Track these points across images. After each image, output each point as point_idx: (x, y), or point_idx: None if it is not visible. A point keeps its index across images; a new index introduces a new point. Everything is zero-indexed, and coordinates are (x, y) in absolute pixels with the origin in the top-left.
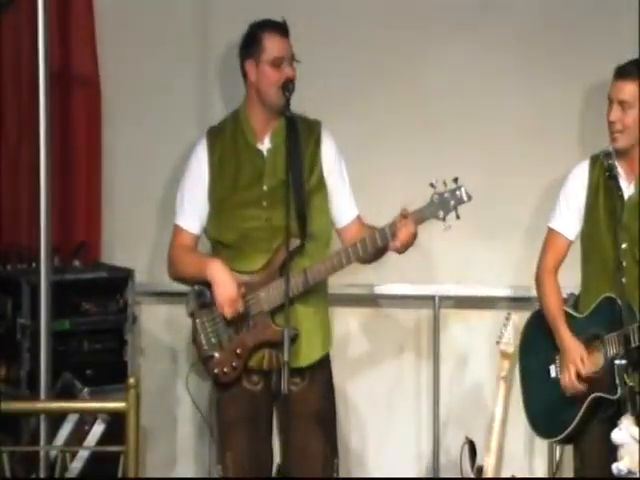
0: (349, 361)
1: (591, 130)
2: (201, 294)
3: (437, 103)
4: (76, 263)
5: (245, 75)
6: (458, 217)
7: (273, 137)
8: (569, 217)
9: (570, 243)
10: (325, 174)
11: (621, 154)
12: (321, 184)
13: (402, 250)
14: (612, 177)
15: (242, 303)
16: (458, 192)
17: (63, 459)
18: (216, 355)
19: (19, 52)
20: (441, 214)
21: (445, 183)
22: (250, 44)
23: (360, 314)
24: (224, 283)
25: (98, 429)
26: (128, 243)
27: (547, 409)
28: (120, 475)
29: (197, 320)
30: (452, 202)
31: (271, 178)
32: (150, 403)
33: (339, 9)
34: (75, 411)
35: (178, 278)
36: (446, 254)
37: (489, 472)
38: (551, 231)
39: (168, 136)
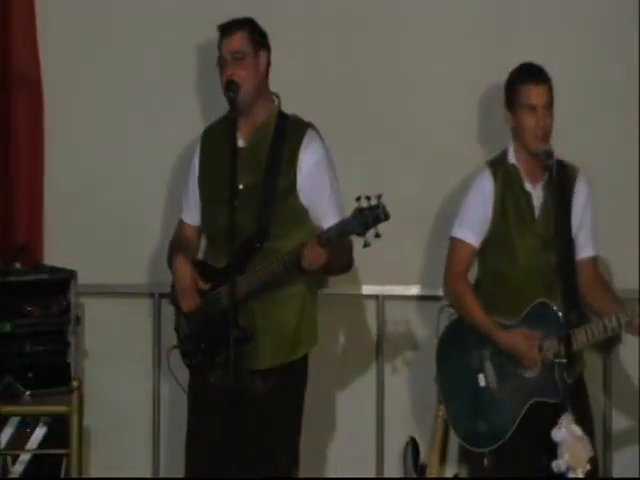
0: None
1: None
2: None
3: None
4: (17, 265)
5: None
6: (378, 235)
7: (254, 132)
8: (479, 224)
9: (477, 251)
10: (301, 178)
11: (523, 156)
12: (293, 187)
13: (308, 269)
14: (517, 180)
15: (197, 298)
16: (377, 210)
17: (5, 462)
18: (189, 346)
19: None
20: (359, 230)
21: (368, 198)
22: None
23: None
24: (181, 277)
25: (40, 432)
26: (70, 244)
27: (478, 418)
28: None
29: (175, 312)
30: (370, 220)
31: (247, 177)
32: (94, 405)
33: (294, 22)
34: (16, 414)
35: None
36: (391, 255)
37: (432, 470)
38: (459, 241)
39: (107, 138)
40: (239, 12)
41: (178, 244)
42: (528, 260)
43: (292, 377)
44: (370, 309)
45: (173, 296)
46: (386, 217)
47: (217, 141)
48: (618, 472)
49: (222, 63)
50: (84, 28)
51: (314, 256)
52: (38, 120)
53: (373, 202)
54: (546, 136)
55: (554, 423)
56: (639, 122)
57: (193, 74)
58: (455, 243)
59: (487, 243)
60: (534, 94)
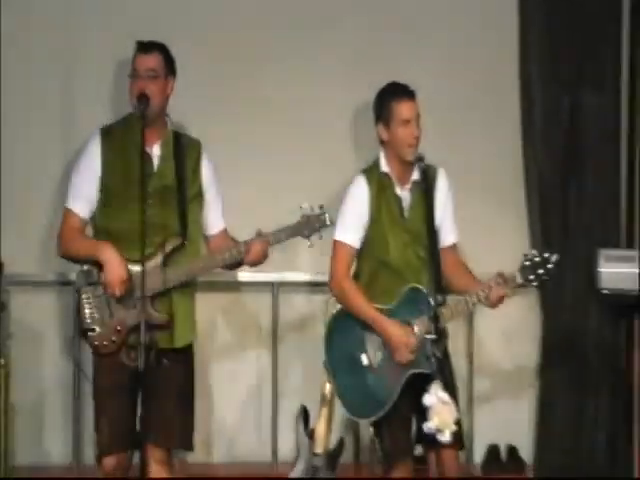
0: (200, 340)
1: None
2: (89, 273)
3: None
4: None
5: None
6: (321, 237)
7: (163, 146)
8: (357, 228)
9: (356, 250)
10: (204, 188)
11: (394, 164)
12: (200, 195)
13: (252, 265)
14: (388, 184)
15: (128, 285)
16: (323, 217)
17: None
18: (97, 329)
19: None
20: (306, 233)
21: (312, 208)
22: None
23: (209, 299)
24: (115, 265)
25: None
26: (8, 231)
27: (362, 392)
28: None
29: (83, 296)
30: (317, 224)
31: (157, 181)
32: (18, 381)
33: (207, 27)
34: None
35: (68, 257)
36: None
37: (320, 436)
38: (341, 243)
39: (30, 141)
40: None
41: (81, 234)
42: (400, 252)
43: (189, 354)
44: (266, 295)
45: (86, 281)
46: (331, 223)
47: (120, 144)
48: (479, 431)
49: (135, 74)
50: None
51: (262, 254)
52: None
53: (317, 211)
54: (416, 144)
55: (425, 390)
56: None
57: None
58: (337, 245)
59: (366, 239)
60: (406, 109)
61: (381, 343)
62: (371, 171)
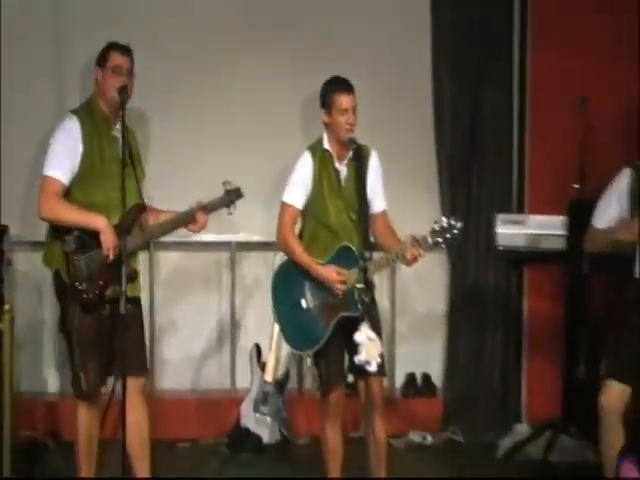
0: (171, 291)
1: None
2: (80, 238)
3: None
4: None
5: (96, 77)
6: (234, 209)
7: (117, 129)
8: (301, 193)
9: (299, 211)
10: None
11: (334, 144)
12: (143, 174)
13: (196, 231)
14: (329, 160)
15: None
16: (239, 191)
17: None
18: (84, 284)
19: None
20: (228, 204)
21: (230, 183)
22: (101, 56)
23: (177, 257)
24: (110, 233)
25: None
26: (3, 203)
27: (302, 331)
28: None
29: (74, 257)
30: (234, 197)
31: (119, 159)
32: (21, 323)
33: (167, 26)
34: None
35: (54, 220)
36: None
37: (269, 368)
38: (287, 204)
39: (31, 115)
40: None
41: (64, 201)
42: (336, 216)
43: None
44: (225, 253)
45: (77, 244)
46: (242, 197)
47: (94, 128)
48: (399, 362)
49: (117, 71)
50: None
51: (204, 220)
52: None
53: (232, 186)
54: (352, 129)
55: (355, 330)
56: (433, 117)
57: None
58: (284, 206)
59: (309, 204)
60: (345, 100)
61: (317, 290)
62: (315, 147)
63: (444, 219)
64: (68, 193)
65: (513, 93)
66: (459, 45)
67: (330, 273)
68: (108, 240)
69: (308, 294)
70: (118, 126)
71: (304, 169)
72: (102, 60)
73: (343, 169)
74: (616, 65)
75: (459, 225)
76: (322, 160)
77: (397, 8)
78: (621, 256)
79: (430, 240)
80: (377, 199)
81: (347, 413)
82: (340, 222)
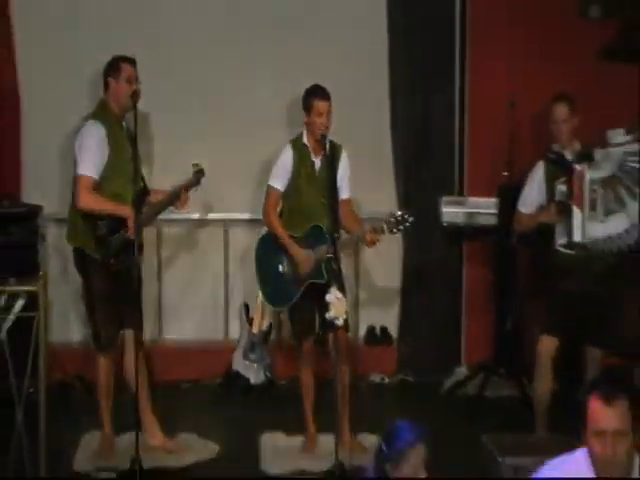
0: (177, 260)
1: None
2: (109, 223)
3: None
4: (5, 203)
5: (107, 85)
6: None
7: (127, 128)
8: (282, 178)
9: (281, 194)
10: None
11: (311, 140)
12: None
13: (181, 209)
14: (307, 153)
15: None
16: (202, 171)
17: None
18: (113, 260)
19: None
20: (195, 183)
21: (198, 165)
22: (112, 66)
23: (182, 232)
24: (134, 218)
25: (21, 302)
26: (40, 185)
27: (278, 290)
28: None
29: (106, 239)
30: (199, 176)
31: (128, 153)
32: (52, 287)
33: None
34: (5, 292)
35: (91, 211)
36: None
37: (256, 322)
38: (271, 187)
39: (69, 108)
40: None
41: (98, 196)
42: (311, 199)
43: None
44: (219, 229)
45: (108, 228)
46: (204, 175)
47: (111, 129)
48: (362, 318)
49: (130, 81)
50: None
51: (186, 198)
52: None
53: (198, 167)
54: (326, 130)
55: (326, 292)
56: (389, 116)
57: None
58: (269, 189)
59: (289, 189)
60: (321, 106)
61: (291, 259)
62: (296, 141)
63: (399, 213)
64: (97, 185)
65: (455, 96)
66: (411, 55)
67: (303, 258)
68: (132, 224)
69: (285, 261)
70: (125, 126)
71: (286, 159)
72: (115, 72)
73: (317, 161)
74: (539, 74)
75: (411, 219)
76: (301, 152)
77: (357, 23)
78: (541, 231)
79: (386, 229)
80: (343, 188)
81: (322, 362)
82: (313, 205)
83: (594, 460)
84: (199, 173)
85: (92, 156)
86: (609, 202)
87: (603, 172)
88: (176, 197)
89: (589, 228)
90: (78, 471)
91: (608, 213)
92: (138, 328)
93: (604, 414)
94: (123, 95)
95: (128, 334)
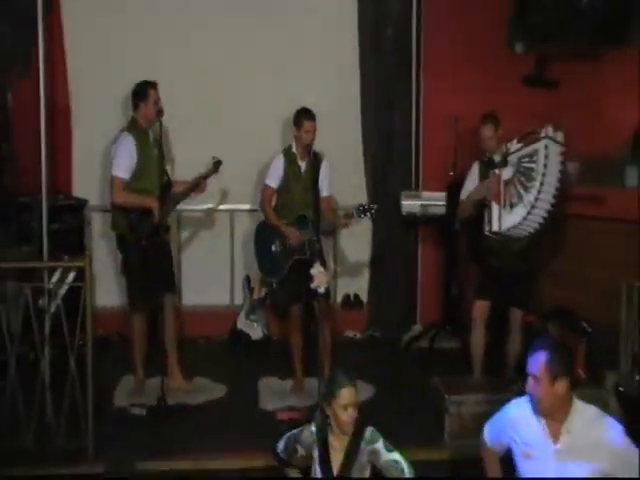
0: (194, 241)
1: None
2: (138, 214)
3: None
4: (60, 197)
5: (136, 106)
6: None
7: (154, 137)
8: (275, 179)
9: (274, 191)
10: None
11: (299, 148)
12: (165, 160)
13: (200, 193)
14: (295, 159)
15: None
16: (219, 162)
17: (55, 290)
18: (144, 241)
19: None
20: (215, 172)
21: (216, 157)
22: (141, 93)
23: (198, 219)
24: (158, 208)
25: (72, 275)
26: (86, 182)
27: (271, 265)
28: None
29: (140, 224)
30: (217, 166)
31: (154, 157)
32: (96, 262)
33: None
34: (60, 267)
35: (123, 204)
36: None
37: (256, 290)
38: (267, 186)
39: (109, 120)
40: None
41: (128, 193)
42: (298, 196)
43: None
44: (224, 220)
45: (137, 219)
46: (221, 164)
47: (139, 140)
48: (339, 288)
49: (156, 103)
50: None
51: (205, 186)
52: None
53: (216, 159)
54: (312, 141)
55: (311, 266)
56: (361, 124)
57: None
58: (264, 187)
59: (281, 188)
60: (308, 125)
61: (281, 241)
62: (287, 150)
63: (365, 204)
64: (129, 184)
65: (412, 113)
66: (377, 78)
67: (292, 232)
68: (158, 212)
69: (276, 243)
70: (151, 135)
71: (278, 163)
72: (144, 96)
73: (303, 165)
74: (478, 94)
75: (375, 207)
76: (290, 158)
77: (333, 30)
78: (477, 219)
79: (355, 215)
80: (324, 188)
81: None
82: (300, 200)
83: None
84: (218, 164)
85: (124, 161)
86: (512, 197)
87: (507, 174)
88: (196, 185)
89: (504, 219)
90: (117, 406)
91: (512, 206)
92: (173, 293)
93: (528, 362)
94: (150, 115)
95: (166, 298)
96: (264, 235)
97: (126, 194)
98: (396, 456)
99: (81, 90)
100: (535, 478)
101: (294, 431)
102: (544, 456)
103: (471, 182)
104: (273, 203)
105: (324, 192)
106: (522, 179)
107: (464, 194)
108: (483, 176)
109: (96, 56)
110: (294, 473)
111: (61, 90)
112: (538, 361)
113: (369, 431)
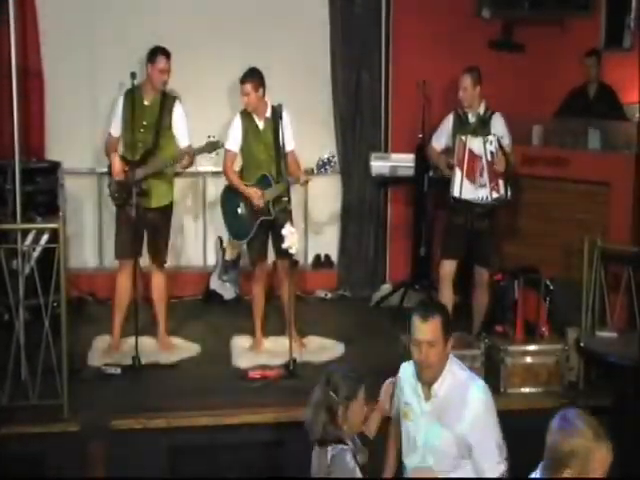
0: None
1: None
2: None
3: None
4: (33, 159)
5: (146, 66)
6: (217, 154)
7: (153, 100)
8: (234, 142)
9: (235, 154)
10: (174, 121)
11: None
12: (171, 124)
13: (185, 167)
14: (250, 118)
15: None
16: (219, 143)
17: (29, 252)
18: (111, 195)
19: None
20: (210, 151)
21: (214, 137)
22: (152, 56)
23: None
24: (115, 164)
25: (45, 237)
26: (59, 145)
27: (238, 227)
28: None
29: (115, 187)
30: (216, 146)
31: (148, 119)
32: (70, 223)
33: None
34: (33, 229)
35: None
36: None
37: (228, 251)
38: (227, 150)
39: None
40: None
41: (111, 146)
42: (259, 154)
43: (167, 212)
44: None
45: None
46: (222, 146)
47: (134, 99)
48: (310, 249)
49: (163, 71)
50: None
51: (192, 160)
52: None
53: (213, 139)
54: (248, 105)
55: (281, 227)
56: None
57: None
58: (226, 151)
59: (243, 148)
60: (242, 88)
61: (246, 203)
62: (243, 111)
63: (326, 156)
64: (116, 139)
65: (381, 76)
66: (349, 40)
67: (253, 193)
68: (114, 168)
69: (242, 205)
70: (148, 99)
71: (235, 124)
72: (153, 60)
73: (261, 123)
74: (444, 61)
75: (334, 159)
76: (247, 118)
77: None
78: (445, 180)
79: (316, 170)
80: (288, 142)
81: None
82: (262, 158)
83: (414, 363)
84: (213, 145)
85: (113, 119)
86: (476, 172)
87: (476, 147)
88: (181, 157)
89: (465, 189)
90: (91, 365)
91: (474, 182)
92: (158, 256)
93: (419, 329)
94: (156, 81)
95: (153, 264)
96: (230, 198)
97: (106, 148)
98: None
99: (54, 54)
100: None
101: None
102: (417, 417)
103: (443, 131)
104: (238, 166)
105: (288, 146)
106: (490, 160)
107: (436, 138)
108: (456, 129)
109: (67, 21)
110: None
111: (33, 54)
112: (434, 326)
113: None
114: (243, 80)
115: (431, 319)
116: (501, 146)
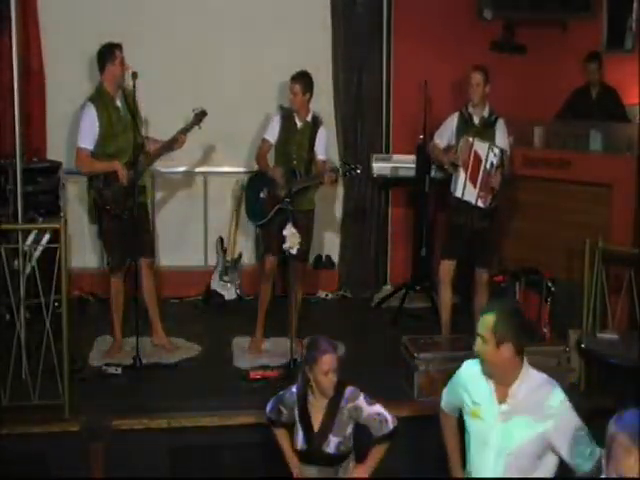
0: (170, 202)
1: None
2: (104, 179)
3: None
4: (34, 159)
5: (103, 68)
6: (200, 127)
7: (121, 100)
8: (271, 134)
9: (271, 144)
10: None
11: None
12: (141, 121)
13: (178, 148)
14: (290, 116)
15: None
16: (204, 112)
17: (30, 252)
18: (112, 205)
19: None
20: (197, 123)
21: (197, 108)
22: (107, 54)
23: (176, 181)
24: (122, 169)
25: (47, 236)
26: (60, 145)
27: (256, 208)
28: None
29: (102, 191)
30: (200, 117)
31: (123, 119)
32: (71, 224)
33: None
34: (34, 228)
35: (89, 172)
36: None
37: (229, 252)
38: (264, 139)
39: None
40: None
41: (92, 160)
42: (294, 152)
43: (146, 207)
44: (198, 182)
45: (105, 183)
46: (206, 114)
47: (104, 105)
48: (313, 248)
49: (122, 63)
50: None
51: (184, 140)
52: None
53: (198, 110)
54: (295, 104)
55: (285, 226)
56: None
57: None
58: (263, 140)
59: (278, 144)
60: (290, 87)
61: (269, 189)
62: (284, 109)
63: (352, 164)
64: (94, 152)
65: (383, 78)
66: (350, 41)
67: (278, 171)
68: (122, 173)
69: (265, 190)
70: (118, 100)
71: (275, 121)
72: (111, 56)
73: (300, 124)
74: (445, 62)
75: (360, 168)
76: (287, 116)
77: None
78: (446, 181)
79: (341, 173)
80: (321, 151)
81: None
82: (295, 155)
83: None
84: (201, 115)
85: (85, 131)
86: (478, 174)
87: (481, 150)
88: (174, 141)
89: (467, 190)
90: (92, 365)
91: (476, 184)
92: (149, 256)
93: (479, 323)
94: (118, 74)
95: (143, 261)
96: (255, 183)
97: (90, 163)
98: (378, 408)
99: (55, 54)
100: None
101: (280, 392)
102: (490, 417)
103: (447, 128)
104: (271, 161)
105: (320, 155)
106: (488, 170)
107: (439, 135)
108: (460, 129)
109: (69, 20)
110: (280, 434)
111: (35, 54)
112: (486, 323)
113: (349, 391)
114: (294, 79)
115: (486, 315)
116: (502, 164)
